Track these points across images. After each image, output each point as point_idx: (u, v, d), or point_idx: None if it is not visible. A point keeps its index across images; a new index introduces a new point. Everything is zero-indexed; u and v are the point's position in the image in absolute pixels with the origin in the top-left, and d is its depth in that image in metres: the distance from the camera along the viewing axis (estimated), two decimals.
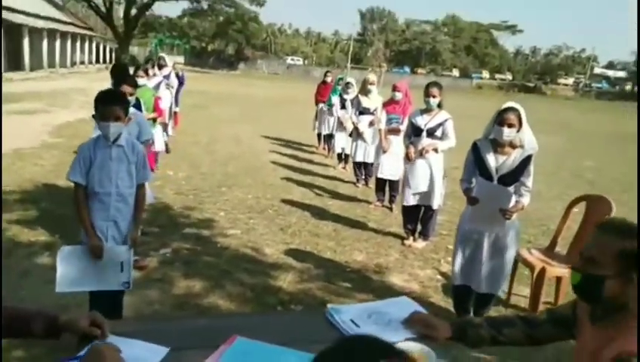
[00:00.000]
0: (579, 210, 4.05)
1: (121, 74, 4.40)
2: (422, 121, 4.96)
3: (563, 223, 3.98)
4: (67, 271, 2.70)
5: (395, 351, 0.85)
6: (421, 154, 4.92)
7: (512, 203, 3.28)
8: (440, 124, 4.92)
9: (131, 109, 3.89)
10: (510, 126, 3.23)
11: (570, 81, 69.24)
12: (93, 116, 2.77)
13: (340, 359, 0.81)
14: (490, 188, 3.32)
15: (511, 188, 3.29)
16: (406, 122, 5.50)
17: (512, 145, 3.32)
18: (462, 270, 3.51)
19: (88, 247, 2.74)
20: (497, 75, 71.44)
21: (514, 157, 3.31)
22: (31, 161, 7.36)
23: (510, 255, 3.45)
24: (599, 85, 67.63)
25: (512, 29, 77.40)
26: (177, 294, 3.77)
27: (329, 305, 1.81)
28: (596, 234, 1.52)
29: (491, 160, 3.36)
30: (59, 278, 2.70)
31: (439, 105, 4.94)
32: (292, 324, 1.80)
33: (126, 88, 3.88)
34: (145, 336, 1.58)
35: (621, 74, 70.32)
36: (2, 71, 17.60)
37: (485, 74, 70.27)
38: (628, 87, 65.39)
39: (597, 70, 72.46)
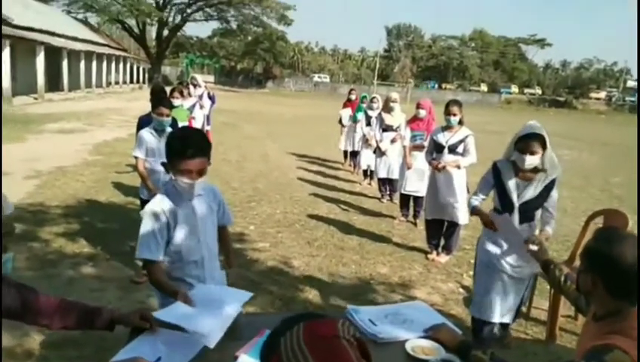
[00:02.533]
0: (599, 224, 4.13)
1: (158, 97, 4.69)
2: (443, 138, 5.13)
3: (582, 237, 4.07)
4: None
5: (317, 317, 1.02)
6: (444, 168, 5.08)
7: (537, 232, 3.17)
8: (461, 141, 5.09)
9: (168, 128, 4.22)
10: (533, 153, 3.03)
11: (602, 94, 67.85)
12: (163, 165, 2.19)
13: (278, 327, 1.00)
14: (509, 227, 3.07)
15: (534, 222, 3.21)
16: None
17: (535, 170, 3.14)
18: (482, 303, 3.40)
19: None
20: (527, 90, 70.60)
21: (537, 183, 3.15)
22: (73, 178, 7.79)
23: (527, 282, 3.40)
24: (633, 99, 66.09)
25: (541, 42, 76.54)
26: None
27: (349, 306, 2.01)
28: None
29: (512, 185, 3.19)
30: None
31: (460, 122, 5.11)
32: None
33: (163, 110, 4.12)
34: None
35: None
36: (2, 80, 18.50)
37: (514, 88, 69.56)
38: None
39: (630, 83, 70.87)
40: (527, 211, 3.20)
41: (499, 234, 3.19)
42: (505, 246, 3.24)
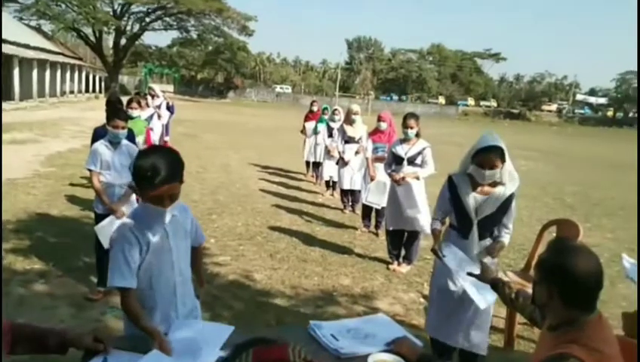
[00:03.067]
0: (553, 233, 4.27)
1: (113, 108, 4.58)
2: (402, 151, 5.24)
3: (536, 246, 4.19)
4: None
5: (267, 342, 1.02)
6: (403, 180, 5.16)
7: (489, 242, 3.06)
8: (419, 152, 5.21)
9: (124, 141, 4.12)
10: (492, 167, 2.86)
11: (554, 107, 70.88)
12: (132, 188, 2.04)
13: (228, 354, 0.99)
14: (461, 256, 2.91)
15: (487, 241, 3.05)
16: None
17: (494, 184, 2.98)
18: (438, 326, 3.19)
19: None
20: (482, 102, 72.95)
21: (496, 197, 2.98)
22: (24, 191, 7.47)
23: (490, 306, 3.02)
24: (582, 111, 69.30)
25: (496, 56, 79.25)
26: None
27: (311, 321, 1.99)
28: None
29: (470, 200, 3.00)
30: None
31: (417, 135, 5.24)
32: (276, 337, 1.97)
33: (118, 123, 4.02)
34: (143, 351, 1.74)
35: (602, 100, 72.07)
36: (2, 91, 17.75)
37: (471, 101, 71.81)
38: (609, 112, 67.10)
39: (579, 97, 74.28)
40: (486, 227, 3.03)
41: (448, 264, 2.90)
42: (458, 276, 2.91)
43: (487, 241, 3.08)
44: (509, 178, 2.96)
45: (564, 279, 1.56)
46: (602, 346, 1.53)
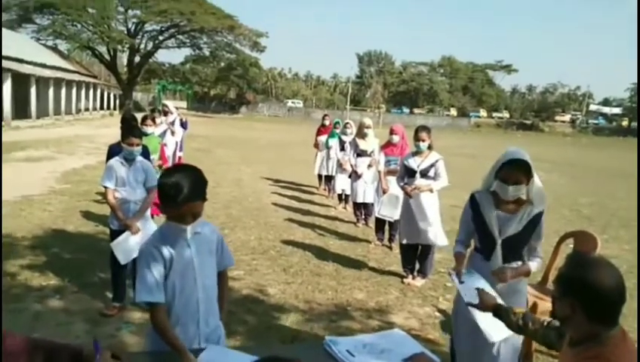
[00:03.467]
0: (570, 245, 4.21)
1: (128, 125, 4.63)
2: (414, 163, 5.23)
3: (554, 259, 4.13)
4: None
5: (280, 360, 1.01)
6: (416, 193, 5.13)
7: (515, 265, 2.84)
8: (432, 165, 5.21)
9: (138, 157, 4.16)
10: (516, 183, 2.69)
11: (567, 117, 70.37)
12: (157, 206, 2.16)
13: None
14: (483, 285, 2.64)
15: (516, 263, 2.84)
16: None
17: (519, 201, 2.79)
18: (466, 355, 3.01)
19: None
20: (495, 114, 72.64)
21: (521, 216, 2.77)
22: (40, 207, 7.56)
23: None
24: (596, 121, 68.67)
25: (507, 68, 79.07)
26: None
27: (327, 337, 1.96)
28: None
29: (493, 219, 2.81)
30: None
31: (429, 147, 5.23)
32: (292, 355, 1.95)
33: (133, 140, 4.07)
34: None
35: (617, 110, 71.39)
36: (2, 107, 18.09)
37: (483, 112, 71.50)
38: (624, 122, 66.38)
39: (592, 107, 73.69)
40: (511, 248, 2.82)
41: (461, 293, 2.67)
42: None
43: (514, 265, 2.85)
44: (536, 196, 2.75)
45: (588, 293, 1.54)
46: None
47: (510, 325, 2.14)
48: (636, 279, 5.30)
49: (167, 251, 2.02)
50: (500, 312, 2.19)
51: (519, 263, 2.87)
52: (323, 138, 10.14)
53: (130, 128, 4.32)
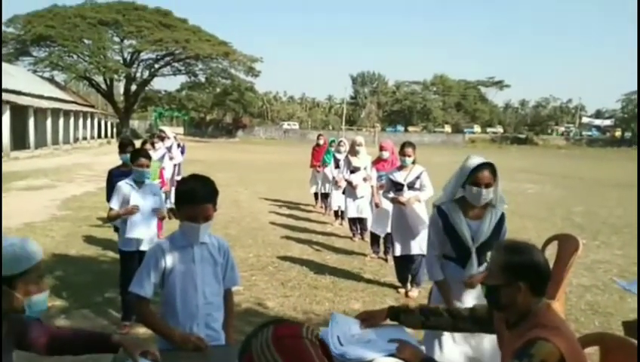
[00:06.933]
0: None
1: (135, 150, 4.70)
2: (400, 177, 5.51)
3: None
4: None
5: (284, 321, 1.19)
6: (407, 202, 5.35)
7: (482, 269, 2.84)
8: (417, 177, 5.49)
9: (147, 181, 4.28)
10: (488, 186, 2.76)
11: (561, 130, 71.05)
12: (171, 211, 2.45)
13: (251, 331, 1.16)
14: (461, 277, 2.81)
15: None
16: None
17: (484, 206, 2.87)
18: None
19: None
20: (489, 129, 73.23)
21: (489, 220, 2.86)
22: (42, 233, 7.72)
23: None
24: (590, 133, 69.34)
25: (499, 84, 79.95)
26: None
27: (334, 312, 2.14)
28: (492, 252, 1.93)
29: (465, 228, 2.84)
30: None
31: (413, 162, 5.54)
32: None
33: (142, 161, 4.16)
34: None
35: (608, 122, 72.13)
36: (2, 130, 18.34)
37: (477, 128, 72.12)
38: (617, 133, 67.06)
39: (585, 119, 74.40)
40: (484, 253, 2.84)
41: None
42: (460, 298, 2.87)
43: (481, 269, 2.88)
44: (498, 198, 2.87)
45: (535, 272, 1.75)
46: (558, 323, 1.70)
47: (413, 324, 2.17)
48: (623, 279, 5.46)
49: (170, 254, 2.24)
50: (397, 315, 2.15)
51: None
52: (326, 157, 10.24)
53: (139, 150, 4.46)
